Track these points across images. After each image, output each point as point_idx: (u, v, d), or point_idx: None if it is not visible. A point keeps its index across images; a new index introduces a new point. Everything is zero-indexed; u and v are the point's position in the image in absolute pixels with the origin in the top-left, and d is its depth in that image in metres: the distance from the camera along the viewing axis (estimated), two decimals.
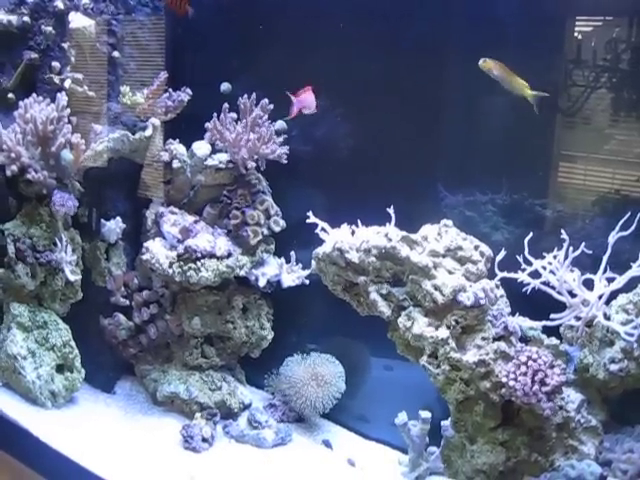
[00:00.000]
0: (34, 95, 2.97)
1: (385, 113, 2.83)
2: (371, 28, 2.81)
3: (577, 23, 2.48)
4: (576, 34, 2.49)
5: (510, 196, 2.65)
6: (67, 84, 3.06)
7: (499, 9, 2.55)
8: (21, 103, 2.94)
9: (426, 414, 2.66)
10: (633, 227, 2.11)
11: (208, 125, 3.00)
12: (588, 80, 2.44)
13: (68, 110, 2.94)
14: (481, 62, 2.43)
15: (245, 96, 2.97)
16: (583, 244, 2.15)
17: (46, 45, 3.08)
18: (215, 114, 3.00)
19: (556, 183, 2.62)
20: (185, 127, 3.19)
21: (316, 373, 2.98)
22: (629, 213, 2.13)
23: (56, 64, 3.08)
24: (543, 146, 2.61)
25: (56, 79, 3.07)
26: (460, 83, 2.70)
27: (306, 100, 2.75)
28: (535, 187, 2.62)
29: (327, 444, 2.99)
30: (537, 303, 2.23)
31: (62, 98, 2.93)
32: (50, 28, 3.05)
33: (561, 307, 2.21)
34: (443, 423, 2.49)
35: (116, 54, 3.17)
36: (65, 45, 3.08)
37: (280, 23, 3.06)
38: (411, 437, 2.69)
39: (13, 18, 3.05)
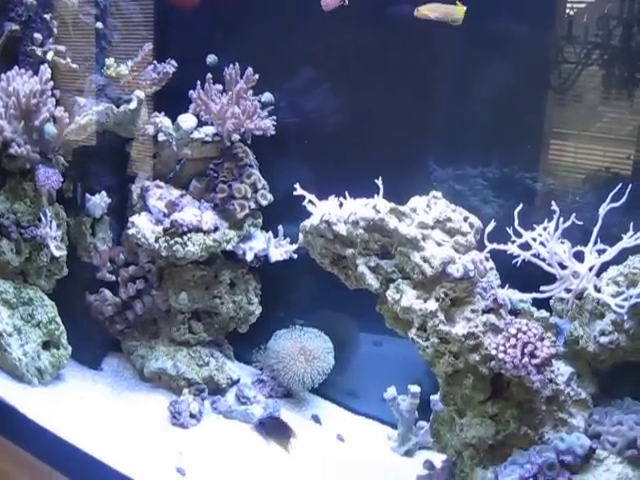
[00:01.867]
0: (16, 68, 2.91)
1: (374, 85, 2.79)
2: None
3: None
4: (568, 10, 2.45)
5: (500, 170, 2.63)
6: (50, 56, 3.00)
7: None
8: (3, 76, 2.88)
9: (415, 388, 2.66)
10: (624, 199, 2.09)
11: (192, 93, 2.96)
12: (580, 57, 2.41)
13: (51, 83, 2.89)
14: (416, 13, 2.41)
15: (231, 66, 2.92)
16: (573, 215, 2.13)
17: (27, 16, 3.01)
18: (199, 84, 2.96)
19: (547, 160, 2.59)
20: (171, 100, 3.14)
21: (304, 348, 2.96)
22: (620, 184, 2.11)
23: (38, 36, 3.02)
24: (534, 122, 2.58)
25: (38, 51, 3.01)
26: (451, 56, 2.67)
27: None
28: (526, 162, 2.60)
29: (316, 419, 2.98)
30: (527, 275, 2.21)
31: (45, 71, 2.88)
32: None
33: (551, 279, 2.19)
34: (432, 397, 2.48)
35: (100, 25, 3.11)
36: (47, 16, 3.02)
37: None
38: (400, 412, 2.69)
39: None
